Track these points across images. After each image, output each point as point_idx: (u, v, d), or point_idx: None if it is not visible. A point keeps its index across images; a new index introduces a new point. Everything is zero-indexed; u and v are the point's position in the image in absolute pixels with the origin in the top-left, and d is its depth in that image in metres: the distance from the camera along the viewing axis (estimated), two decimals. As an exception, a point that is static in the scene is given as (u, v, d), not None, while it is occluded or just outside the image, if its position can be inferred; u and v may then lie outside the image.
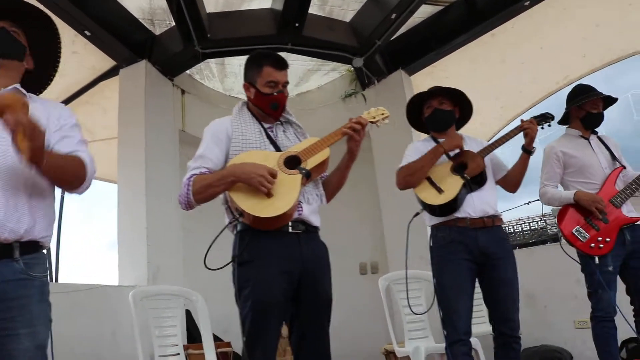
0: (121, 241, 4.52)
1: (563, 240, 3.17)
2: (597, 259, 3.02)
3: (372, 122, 2.38)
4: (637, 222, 3.10)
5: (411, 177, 2.78)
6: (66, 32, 4.52)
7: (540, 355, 4.27)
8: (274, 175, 2.04)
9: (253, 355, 2.03)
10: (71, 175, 1.74)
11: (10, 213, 1.59)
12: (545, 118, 2.97)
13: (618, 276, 3.11)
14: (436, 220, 2.80)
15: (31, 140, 1.44)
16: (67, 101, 5.21)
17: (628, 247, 3.05)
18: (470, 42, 5.46)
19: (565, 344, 4.45)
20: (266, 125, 2.32)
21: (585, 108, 3.24)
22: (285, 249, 2.10)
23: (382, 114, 2.41)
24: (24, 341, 1.57)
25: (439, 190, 2.73)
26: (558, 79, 6.33)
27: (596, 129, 3.34)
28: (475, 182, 2.76)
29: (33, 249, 1.68)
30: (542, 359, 4.22)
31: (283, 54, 4.91)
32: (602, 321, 3.00)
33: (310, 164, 2.16)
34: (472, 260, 2.69)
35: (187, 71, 5.55)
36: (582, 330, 4.32)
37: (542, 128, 2.96)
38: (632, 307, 3.10)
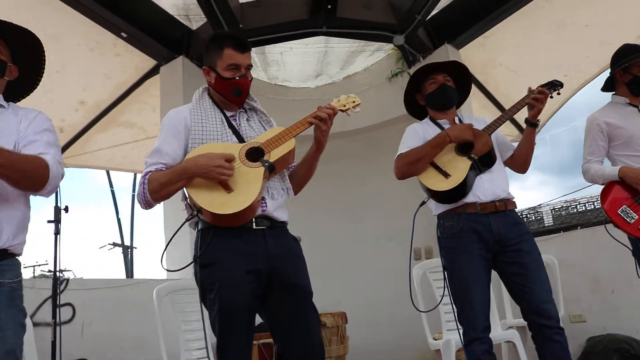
0: (167, 235, 4.63)
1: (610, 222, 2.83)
2: (645, 242, 2.68)
3: (342, 111, 2.23)
4: (695, 200, 2.70)
5: (412, 165, 2.55)
6: (107, 36, 4.67)
7: (604, 345, 3.89)
8: (230, 160, 1.93)
9: (226, 358, 1.97)
10: (30, 175, 1.74)
11: None
12: (554, 86, 2.65)
13: None
14: (442, 208, 2.56)
15: None
16: (117, 102, 5.42)
17: None
18: (523, 8, 5.03)
19: (637, 332, 4.03)
20: (229, 114, 2.20)
21: (632, 71, 2.87)
22: (250, 247, 2.00)
23: (354, 102, 2.26)
24: None
25: (445, 175, 2.49)
26: (631, 38, 5.69)
27: None
28: (484, 162, 2.51)
29: (3, 255, 1.70)
30: (606, 350, 3.84)
31: (318, 38, 4.81)
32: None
33: (274, 156, 2.03)
34: (486, 248, 2.44)
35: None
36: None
37: (551, 97, 2.63)
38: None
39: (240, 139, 2.13)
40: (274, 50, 5.43)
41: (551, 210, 16.03)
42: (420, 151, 2.55)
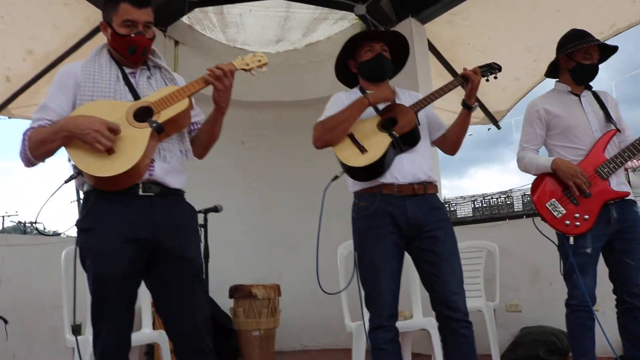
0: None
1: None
2: (571, 239, 2.58)
3: (244, 70, 2.10)
4: (627, 198, 2.61)
5: (329, 133, 2.39)
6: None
7: (533, 336, 3.86)
8: (113, 130, 1.82)
9: (98, 332, 1.87)
10: None
11: None
12: (491, 68, 2.49)
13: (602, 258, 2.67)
14: (359, 186, 2.41)
15: None
16: (67, 53, 5.13)
17: (613, 226, 2.59)
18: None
19: (568, 326, 4.00)
20: (128, 70, 2.07)
21: (576, 58, 2.74)
22: (133, 214, 1.89)
23: (259, 61, 2.13)
24: None
25: (362, 150, 2.33)
26: (602, 28, 5.54)
27: (590, 84, 2.82)
28: (406, 141, 2.35)
29: None
30: (535, 341, 3.80)
31: (279, 2, 4.57)
32: (576, 311, 2.60)
33: (163, 116, 1.92)
34: (400, 233, 2.31)
35: (187, 22, 5.31)
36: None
37: (487, 80, 2.48)
38: (615, 297, 2.66)
39: (137, 97, 2.01)
40: (233, 11, 5.18)
41: (522, 195, 16.12)
42: (338, 116, 2.39)
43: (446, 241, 2.32)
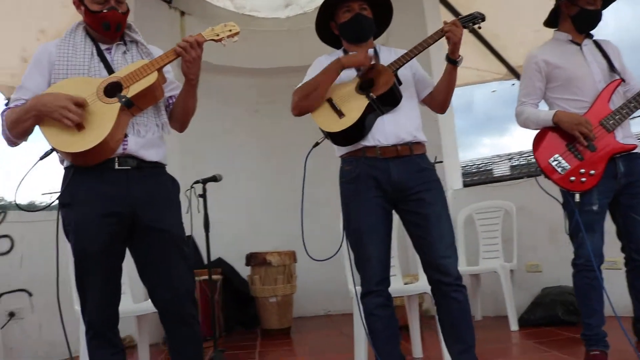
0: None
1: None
2: (577, 195, 2.46)
3: (214, 40, 2.04)
4: (634, 151, 2.46)
5: (305, 100, 2.30)
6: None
7: (552, 297, 3.75)
8: (79, 104, 1.83)
9: (84, 304, 1.93)
10: None
11: None
12: (473, 18, 2.25)
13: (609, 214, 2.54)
14: (344, 150, 2.32)
15: None
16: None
17: (620, 181, 2.47)
18: None
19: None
20: (103, 46, 2.05)
21: (579, 3, 2.55)
22: (110, 188, 1.90)
23: (230, 30, 2.06)
24: None
25: (340, 114, 2.24)
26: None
27: (591, 32, 2.63)
28: (385, 102, 2.23)
29: None
30: (553, 302, 3.70)
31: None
32: (582, 270, 2.50)
33: (132, 90, 1.90)
34: (385, 197, 2.23)
35: (193, -9, 5.25)
36: (610, 272, 3.72)
37: (470, 31, 2.34)
38: (623, 255, 2.54)
39: (111, 73, 2.00)
40: (239, -23, 5.08)
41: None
42: (313, 82, 2.30)
43: (433, 203, 2.22)
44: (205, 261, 3.36)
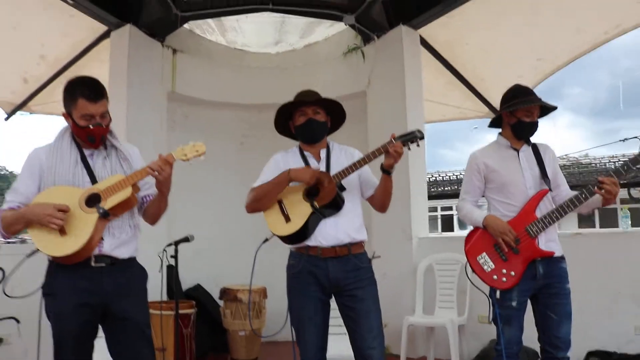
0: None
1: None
2: (498, 292, 2.75)
3: (183, 160, 2.32)
4: (555, 255, 2.73)
5: (257, 202, 2.62)
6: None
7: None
8: (63, 210, 2.15)
9: None
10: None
11: None
12: (413, 137, 2.54)
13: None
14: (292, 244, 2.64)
15: None
16: (76, 58, 5.46)
17: (539, 282, 2.74)
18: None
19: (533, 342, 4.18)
20: (87, 152, 2.36)
21: (517, 115, 2.81)
22: (86, 283, 2.23)
23: (197, 152, 2.33)
24: None
25: (287, 219, 2.56)
26: (607, 28, 5.40)
27: (530, 138, 2.89)
28: (330, 207, 2.54)
29: None
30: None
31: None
32: (500, 356, 2.77)
33: (109, 202, 2.22)
34: (322, 291, 2.55)
35: (187, 27, 5.49)
36: None
37: (409, 149, 2.59)
38: (539, 345, 2.83)
39: (93, 178, 2.32)
40: (230, 17, 5.32)
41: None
42: (265, 188, 2.61)
43: (365, 299, 2.54)
44: (178, 296, 3.65)
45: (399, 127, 5.08)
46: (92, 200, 2.22)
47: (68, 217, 2.17)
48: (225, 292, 4.73)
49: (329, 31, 5.73)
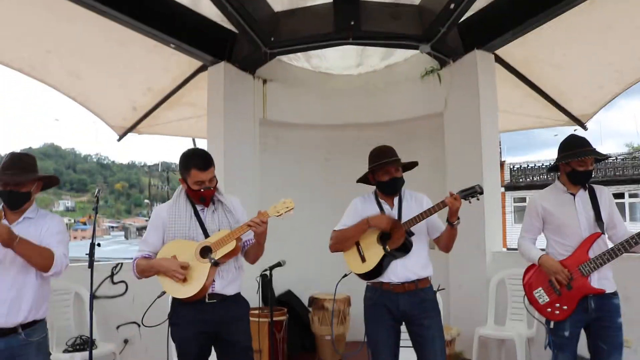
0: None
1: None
2: (552, 323, 3.08)
3: (276, 216, 2.82)
4: (606, 292, 3.01)
5: (339, 245, 3.16)
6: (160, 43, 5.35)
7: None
8: (184, 267, 2.78)
9: None
10: (38, 257, 2.65)
11: (12, 310, 2.60)
12: (473, 193, 2.96)
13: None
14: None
15: None
16: (176, 89, 6.23)
17: (591, 314, 3.05)
18: (560, 15, 4.91)
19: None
20: (199, 207, 2.96)
21: (572, 165, 3.09)
22: (202, 315, 2.86)
23: (287, 208, 2.83)
24: None
25: (363, 259, 3.06)
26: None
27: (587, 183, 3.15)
28: (400, 250, 3.02)
29: (32, 324, 2.66)
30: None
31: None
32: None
33: (219, 254, 2.81)
34: (394, 319, 3.04)
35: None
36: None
37: (470, 202, 2.97)
38: None
39: (205, 230, 2.93)
40: (313, 47, 5.80)
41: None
42: (346, 233, 3.13)
43: (430, 327, 3.01)
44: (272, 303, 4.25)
45: (474, 145, 5.39)
46: (205, 251, 2.82)
47: (188, 268, 2.79)
48: (313, 301, 5.31)
49: (408, 53, 6.04)
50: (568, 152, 3.09)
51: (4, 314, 2.56)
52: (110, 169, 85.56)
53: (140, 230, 50.72)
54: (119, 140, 7.10)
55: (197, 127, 7.15)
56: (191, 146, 10.02)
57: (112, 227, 62.42)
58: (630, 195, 22.99)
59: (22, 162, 2.76)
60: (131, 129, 6.93)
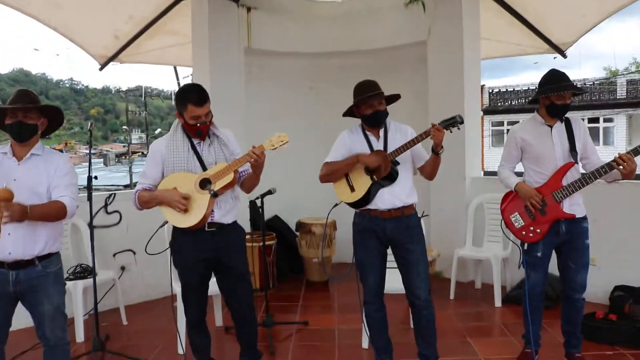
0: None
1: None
2: (526, 245, 3.35)
3: (272, 149, 2.94)
4: (576, 217, 3.26)
5: (330, 176, 3.31)
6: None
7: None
8: (186, 198, 2.93)
9: (186, 308, 3.21)
10: (53, 217, 2.74)
11: (29, 243, 2.72)
12: (454, 122, 3.08)
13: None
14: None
15: (11, 218, 2.46)
16: (158, 17, 6.11)
17: (562, 237, 3.31)
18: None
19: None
20: (195, 141, 3.09)
21: (551, 98, 3.24)
22: (201, 243, 3.05)
23: (282, 141, 2.94)
24: (46, 305, 2.77)
25: (352, 189, 3.24)
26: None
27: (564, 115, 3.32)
28: (386, 179, 3.19)
29: (47, 256, 2.81)
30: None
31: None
32: (531, 295, 3.40)
33: (218, 185, 2.96)
34: (381, 243, 3.26)
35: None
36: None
37: (451, 132, 3.12)
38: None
39: (202, 163, 3.06)
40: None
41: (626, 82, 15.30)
42: (337, 165, 3.27)
43: (414, 251, 3.23)
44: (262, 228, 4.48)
45: (456, 73, 5.50)
46: (204, 183, 2.96)
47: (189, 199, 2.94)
48: (301, 225, 5.56)
49: (392, -21, 5.98)
50: (548, 87, 3.23)
51: (21, 246, 2.70)
52: (84, 95, 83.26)
53: (119, 156, 50.44)
54: (100, 69, 6.99)
55: (179, 56, 7.07)
56: (172, 74, 9.92)
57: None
58: (605, 120, 23.51)
59: (29, 96, 2.81)
60: (113, 57, 6.81)
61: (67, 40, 6.43)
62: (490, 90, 24.90)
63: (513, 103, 23.34)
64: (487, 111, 23.98)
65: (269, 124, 6.19)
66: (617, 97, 22.33)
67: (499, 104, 24.39)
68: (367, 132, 3.34)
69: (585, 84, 21.44)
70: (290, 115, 6.30)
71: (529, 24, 6.36)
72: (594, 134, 23.55)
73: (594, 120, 22.93)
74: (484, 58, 7.38)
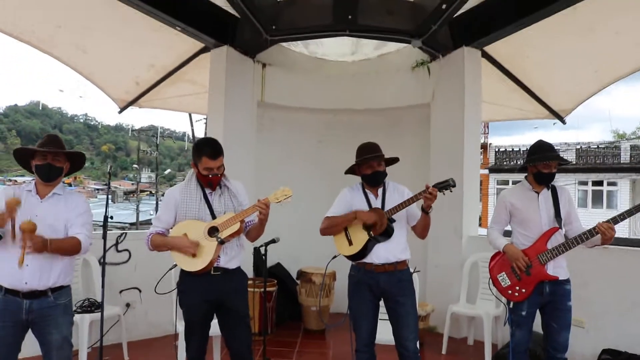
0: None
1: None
2: (512, 303, 3.53)
3: (276, 202, 3.19)
4: (560, 279, 3.45)
5: (329, 230, 3.55)
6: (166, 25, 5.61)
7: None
8: (195, 244, 3.16)
9: (188, 345, 3.36)
10: (69, 251, 3.01)
11: (44, 275, 2.96)
12: (447, 186, 3.31)
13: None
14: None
15: (34, 248, 2.76)
16: (179, 67, 6.51)
17: (545, 297, 3.48)
18: (544, 19, 5.25)
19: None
20: (208, 191, 3.33)
21: (538, 167, 3.49)
22: (207, 285, 3.25)
23: (285, 195, 3.19)
24: (54, 335, 2.98)
25: (350, 243, 3.47)
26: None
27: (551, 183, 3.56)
28: (382, 235, 3.41)
29: (59, 288, 3.03)
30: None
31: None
32: (515, 352, 3.56)
33: (224, 233, 3.18)
34: (374, 296, 3.46)
35: (275, 41, 6.35)
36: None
37: (444, 194, 3.35)
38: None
39: (212, 212, 3.30)
40: (311, 34, 6.10)
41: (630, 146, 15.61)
42: (336, 221, 3.51)
43: (405, 304, 3.42)
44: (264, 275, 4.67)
45: (457, 135, 5.79)
46: (212, 231, 3.20)
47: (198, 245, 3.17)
48: (301, 274, 5.75)
49: (400, 44, 6.36)
50: (535, 156, 3.49)
51: (37, 277, 2.93)
52: (97, 131, 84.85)
53: (127, 194, 50.88)
54: (120, 112, 7.40)
55: (195, 104, 7.49)
56: (187, 120, 10.29)
57: (98, 189, 62.37)
58: (609, 184, 23.71)
59: (59, 142, 3.12)
60: (133, 102, 7.22)
61: (88, 82, 6.84)
62: (497, 149, 25.33)
63: (518, 162, 23.66)
64: (493, 169, 24.34)
65: (278, 173, 6.53)
66: (621, 162, 22.63)
67: (505, 162, 24.77)
68: (367, 190, 3.59)
69: (589, 147, 21.84)
70: (298, 166, 6.59)
71: (530, 91, 6.72)
72: (597, 196, 23.83)
73: (598, 183, 23.15)
74: (488, 121, 7.74)
